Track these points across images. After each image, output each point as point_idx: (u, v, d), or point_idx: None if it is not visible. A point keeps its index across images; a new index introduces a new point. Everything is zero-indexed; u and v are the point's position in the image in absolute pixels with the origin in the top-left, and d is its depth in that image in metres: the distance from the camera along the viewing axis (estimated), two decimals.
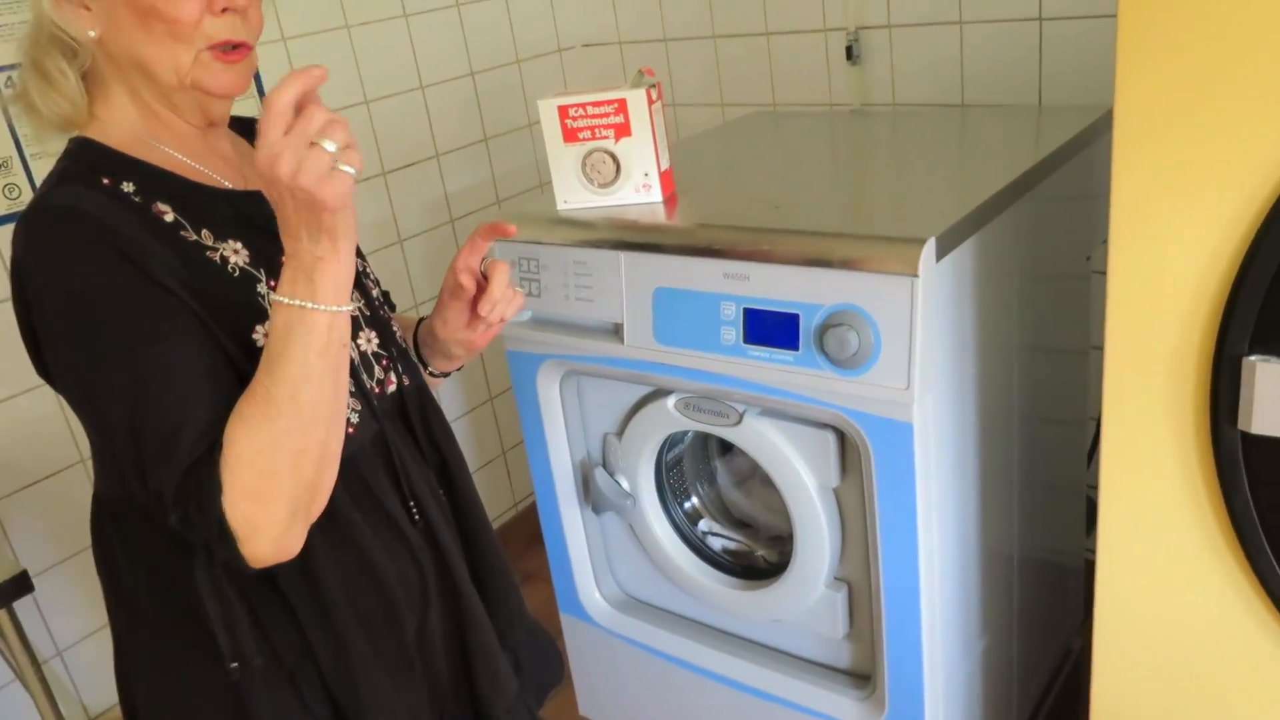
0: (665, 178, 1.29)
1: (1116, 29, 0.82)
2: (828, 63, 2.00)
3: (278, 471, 0.79)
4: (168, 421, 0.78)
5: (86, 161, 0.85)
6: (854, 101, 1.97)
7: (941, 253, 1.05)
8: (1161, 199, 0.84)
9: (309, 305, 0.78)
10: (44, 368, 0.86)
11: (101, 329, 0.79)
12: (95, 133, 0.87)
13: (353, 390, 0.91)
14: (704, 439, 1.51)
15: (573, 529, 1.52)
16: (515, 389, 1.43)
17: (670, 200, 1.30)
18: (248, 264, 0.87)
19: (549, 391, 1.42)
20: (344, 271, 0.79)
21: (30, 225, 0.81)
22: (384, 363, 0.98)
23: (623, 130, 1.25)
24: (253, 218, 0.89)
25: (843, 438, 1.18)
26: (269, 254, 0.88)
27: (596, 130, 1.26)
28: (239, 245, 0.87)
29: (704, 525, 1.49)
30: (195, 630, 0.88)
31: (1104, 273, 1.79)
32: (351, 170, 0.76)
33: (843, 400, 1.11)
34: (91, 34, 0.84)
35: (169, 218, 0.85)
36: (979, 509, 1.28)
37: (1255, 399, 0.82)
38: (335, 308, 0.79)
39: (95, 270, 0.79)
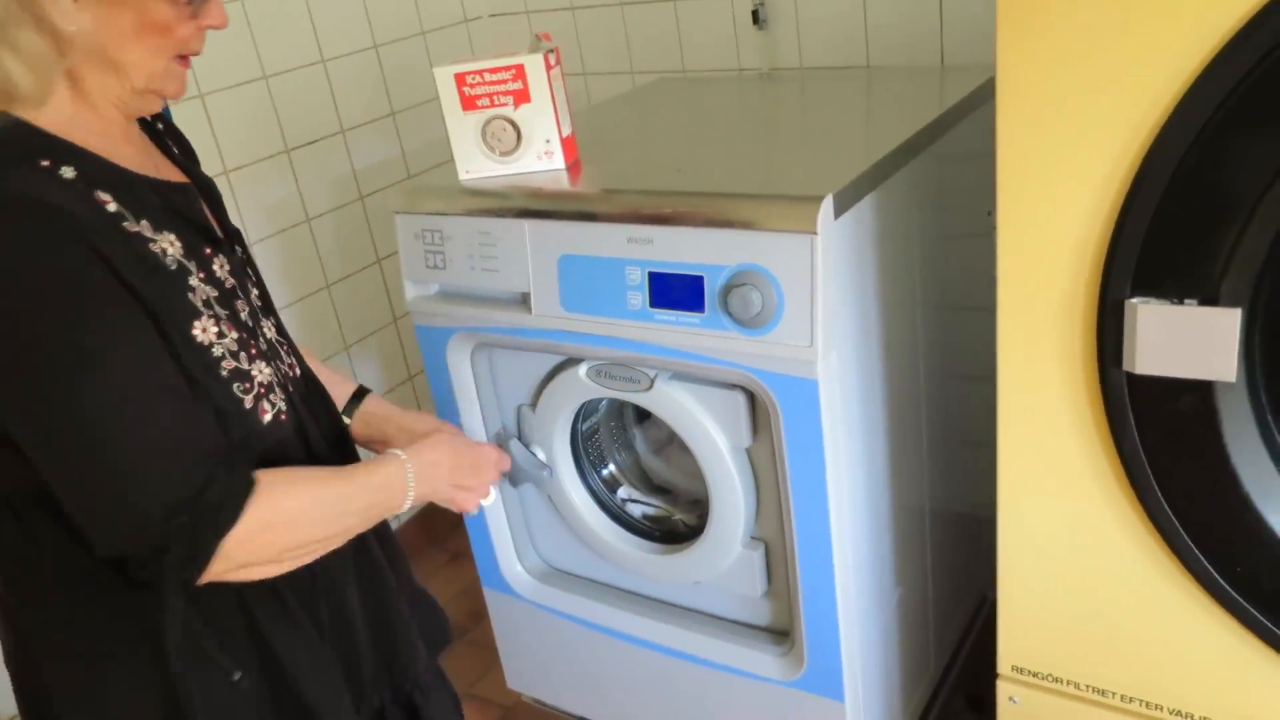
0: (567, 144, 1.28)
1: None
2: (735, 28, 2.00)
3: (291, 552, 0.87)
4: (184, 438, 0.79)
5: (20, 142, 0.80)
6: (762, 66, 1.97)
7: (840, 210, 1.05)
8: (1045, 152, 0.86)
9: (408, 497, 0.98)
10: None
11: (65, 346, 0.75)
12: (22, 113, 0.82)
13: (278, 380, 0.92)
14: (619, 406, 1.50)
15: (494, 508, 1.50)
16: (426, 364, 1.41)
17: (574, 167, 1.29)
18: (182, 257, 0.85)
19: (460, 365, 1.40)
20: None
21: None
22: (284, 348, 0.98)
23: (522, 96, 1.24)
24: (180, 210, 0.88)
25: (753, 398, 1.18)
26: (197, 247, 0.87)
27: (495, 97, 1.24)
28: (173, 237, 0.85)
29: (623, 493, 1.49)
30: (111, 609, 0.86)
31: None
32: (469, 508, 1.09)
33: (750, 360, 1.11)
34: (71, 28, 0.80)
35: (111, 207, 0.81)
36: (889, 464, 1.30)
37: (1138, 340, 0.85)
38: (408, 506, 0.98)
39: (68, 276, 0.76)
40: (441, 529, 2.35)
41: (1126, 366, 0.86)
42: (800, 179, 1.16)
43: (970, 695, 1.74)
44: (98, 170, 0.82)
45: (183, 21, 0.85)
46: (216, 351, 0.85)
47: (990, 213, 1.62)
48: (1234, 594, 0.91)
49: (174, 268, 0.84)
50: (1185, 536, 0.91)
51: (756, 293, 1.07)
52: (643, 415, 1.54)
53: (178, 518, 0.77)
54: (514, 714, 2.05)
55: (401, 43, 2.20)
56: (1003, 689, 1.13)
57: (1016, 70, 0.85)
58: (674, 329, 1.14)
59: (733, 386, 1.19)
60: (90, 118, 0.85)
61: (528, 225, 1.22)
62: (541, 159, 1.27)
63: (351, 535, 0.93)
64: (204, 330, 0.84)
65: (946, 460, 1.50)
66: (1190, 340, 0.83)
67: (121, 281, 0.78)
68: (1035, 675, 1.10)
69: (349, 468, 0.93)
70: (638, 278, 1.15)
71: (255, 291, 0.96)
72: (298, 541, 0.87)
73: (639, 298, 1.16)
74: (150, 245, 0.82)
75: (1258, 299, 0.82)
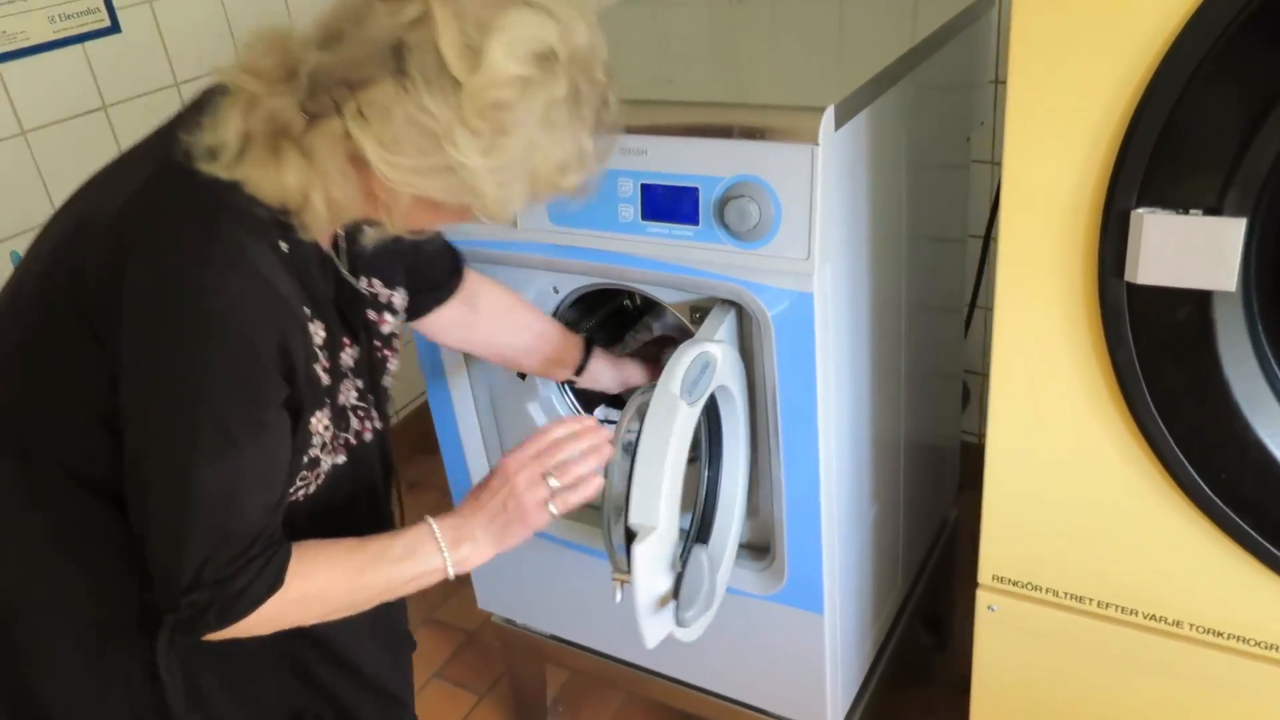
0: None
1: None
2: None
3: (317, 616, 0.92)
4: (247, 527, 0.84)
5: (257, 208, 0.82)
6: None
7: (839, 122, 1.05)
8: (1055, 65, 0.86)
9: (449, 565, 0.95)
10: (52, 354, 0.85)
11: (215, 402, 0.81)
12: (253, 181, 0.82)
13: (333, 461, 0.98)
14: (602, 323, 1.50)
15: (467, 427, 1.49)
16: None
17: None
18: (320, 345, 0.91)
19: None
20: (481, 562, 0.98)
21: (187, 254, 0.79)
22: (359, 414, 1.01)
23: None
24: (343, 307, 0.95)
25: (739, 315, 1.18)
26: (338, 337, 0.94)
27: None
28: (320, 326, 0.91)
29: (600, 413, 1.49)
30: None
31: (982, 162, 1.84)
32: (555, 513, 0.99)
33: (743, 274, 1.11)
34: (384, 196, 0.84)
35: (303, 284, 0.88)
36: (871, 390, 1.31)
37: (1142, 249, 0.86)
38: (454, 575, 0.96)
39: (256, 361, 0.81)
40: (399, 456, 2.32)
41: (1129, 277, 0.88)
42: (795, 92, 1.15)
43: (926, 616, 1.80)
44: (305, 255, 0.89)
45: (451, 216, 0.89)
46: (315, 441, 0.92)
47: (968, 139, 1.64)
48: (1216, 500, 0.94)
49: (318, 356, 0.90)
50: (1172, 443, 0.94)
51: (754, 204, 1.06)
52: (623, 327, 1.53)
53: (194, 593, 0.83)
54: (478, 636, 2.06)
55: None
56: (982, 598, 1.16)
57: None
58: (666, 242, 1.13)
59: (721, 304, 1.18)
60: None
61: None
62: None
63: (383, 601, 0.95)
64: (317, 421, 0.91)
65: (919, 389, 1.53)
66: (1194, 250, 0.84)
67: (291, 371, 0.85)
68: (1015, 584, 1.13)
69: (376, 547, 0.94)
70: (629, 189, 1.13)
71: (364, 382, 1.00)
72: (309, 621, 0.93)
73: (630, 210, 1.14)
74: (310, 325, 0.89)
75: (1257, 211, 0.84)
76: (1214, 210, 0.83)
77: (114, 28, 1.82)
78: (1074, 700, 1.17)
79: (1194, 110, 0.81)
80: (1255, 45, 0.78)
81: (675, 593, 1.04)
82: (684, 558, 1.07)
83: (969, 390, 2.07)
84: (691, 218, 1.11)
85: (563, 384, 1.45)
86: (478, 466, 1.53)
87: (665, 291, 1.22)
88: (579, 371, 1.34)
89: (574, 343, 1.33)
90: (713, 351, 1.09)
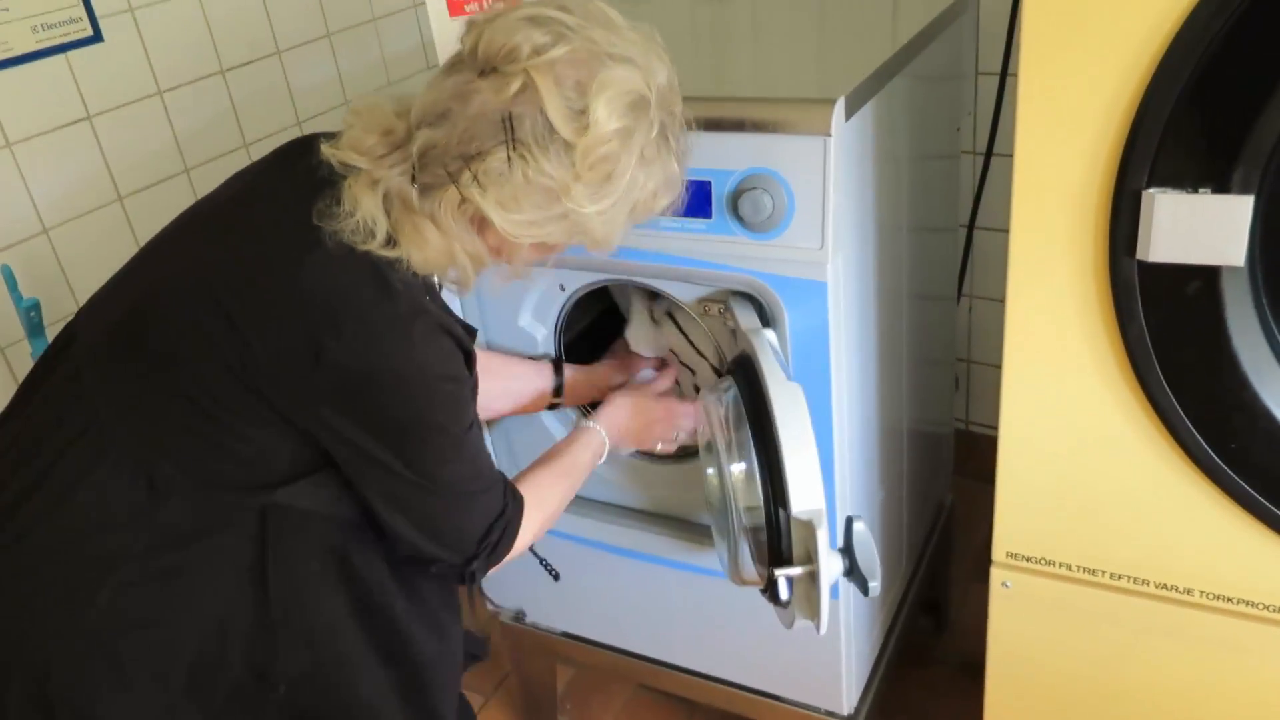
0: None
1: None
2: None
3: (540, 530, 1.12)
4: (492, 478, 1.03)
5: (408, 273, 0.93)
6: None
7: (849, 113, 1.07)
8: (1066, 49, 0.89)
9: (607, 443, 1.26)
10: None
11: (440, 428, 0.96)
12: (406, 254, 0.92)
13: None
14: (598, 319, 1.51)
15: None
16: None
17: None
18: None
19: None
20: None
21: (410, 333, 0.91)
22: None
23: (514, 3, 1.21)
24: (465, 347, 1.01)
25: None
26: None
27: (486, 3, 1.21)
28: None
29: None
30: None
31: (971, 153, 1.88)
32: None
33: (757, 265, 1.13)
34: (510, 252, 0.98)
35: (461, 336, 0.98)
36: (878, 376, 1.34)
37: (1154, 229, 0.89)
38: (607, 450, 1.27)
39: (459, 382, 0.97)
40: None
41: (1140, 255, 0.91)
42: (804, 85, 1.18)
43: (925, 599, 1.83)
44: (441, 306, 1.01)
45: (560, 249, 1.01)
46: None
47: (959, 129, 1.67)
48: (1225, 468, 0.98)
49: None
50: (1183, 414, 0.97)
51: (767, 196, 1.08)
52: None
53: (489, 537, 1.01)
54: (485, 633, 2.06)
55: (352, 30, 2.12)
56: (996, 575, 1.19)
57: None
58: (680, 235, 1.15)
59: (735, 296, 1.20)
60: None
61: None
62: None
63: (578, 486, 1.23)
64: None
65: (918, 375, 1.56)
66: (1203, 228, 0.88)
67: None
68: (1028, 559, 1.16)
69: (566, 457, 1.21)
70: None
71: None
72: (550, 517, 1.15)
73: None
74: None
75: (1263, 188, 0.87)
76: (1222, 188, 0.86)
77: (97, 37, 1.80)
78: (1087, 671, 1.20)
79: (1200, 92, 0.85)
80: (1258, 29, 0.81)
81: (848, 569, 1.06)
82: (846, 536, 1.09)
83: (957, 377, 2.11)
84: (704, 211, 1.13)
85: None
86: None
87: (676, 285, 1.24)
88: (557, 394, 1.38)
89: (545, 372, 1.38)
90: (769, 334, 1.13)
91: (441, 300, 1.04)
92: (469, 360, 0.99)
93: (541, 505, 1.11)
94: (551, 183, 0.88)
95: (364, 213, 0.89)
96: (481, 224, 0.92)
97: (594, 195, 0.90)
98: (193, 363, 0.90)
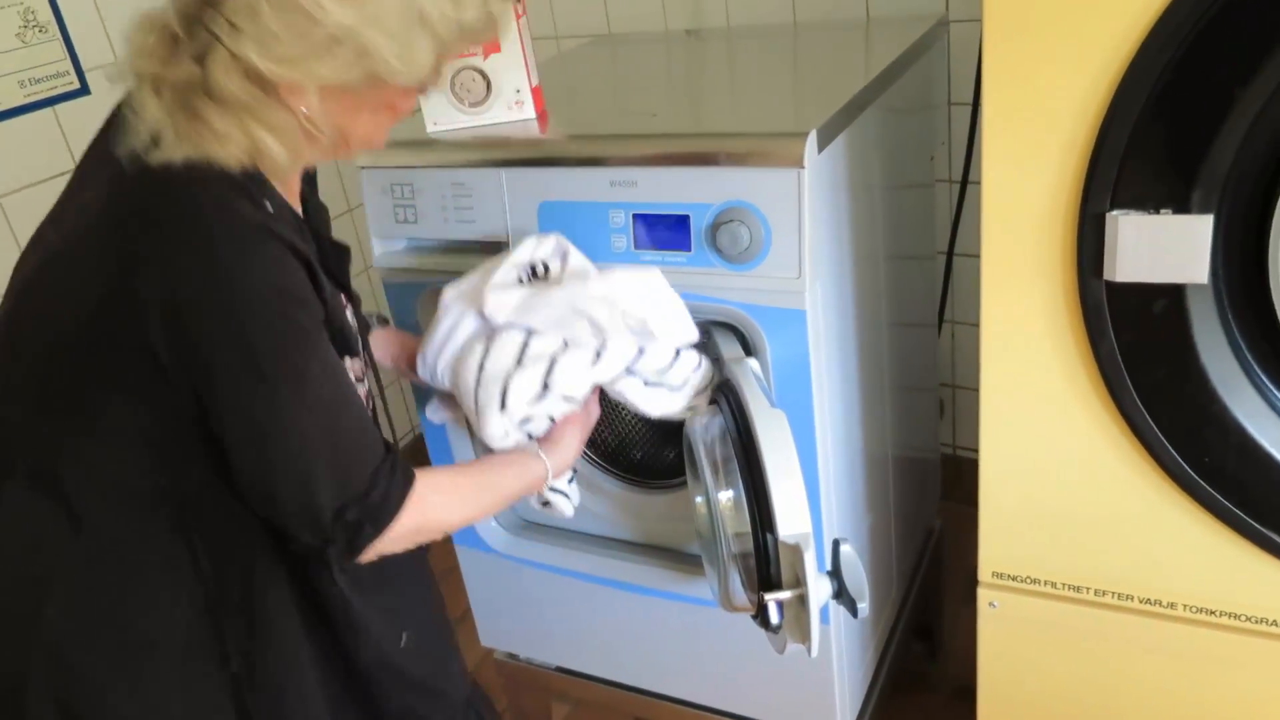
0: (536, 94, 1.29)
1: None
2: None
3: (434, 528, 0.97)
4: (359, 445, 0.90)
5: (230, 177, 0.84)
6: (688, 25, 2.01)
7: (821, 146, 1.10)
8: (1027, 79, 0.92)
9: (550, 473, 1.12)
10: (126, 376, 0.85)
11: (279, 359, 0.84)
12: (200, 151, 0.83)
13: None
14: None
15: (462, 459, 1.51)
16: (395, 323, 1.41)
17: (543, 116, 1.30)
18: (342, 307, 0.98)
19: (429, 320, 1.40)
20: None
21: (216, 238, 0.81)
22: (362, 381, 1.06)
23: (492, 46, 1.24)
24: (332, 267, 0.96)
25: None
26: (335, 299, 0.95)
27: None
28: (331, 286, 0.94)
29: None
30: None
31: (947, 181, 1.91)
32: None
33: (737, 295, 1.15)
34: (318, 114, 0.86)
35: (299, 246, 0.87)
36: (860, 403, 1.36)
37: (1118, 250, 0.92)
38: (549, 481, 1.14)
39: (296, 298, 0.85)
40: None
41: (1107, 276, 0.94)
42: (776, 119, 1.21)
43: (917, 624, 1.84)
44: (284, 211, 0.90)
45: (409, 100, 0.94)
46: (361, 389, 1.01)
47: (932, 158, 1.71)
48: (1201, 482, 1.00)
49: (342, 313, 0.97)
50: (1157, 430, 0.99)
51: (744, 228, 1.10)
52: None
53: (344, 516, 0.87)
54: (479, 675, 2.05)
55: None
56: (983, 595, 1.20)
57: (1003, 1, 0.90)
58: (660, 268, 1.17)
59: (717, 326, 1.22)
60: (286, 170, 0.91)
61: (505, 174, 1.22)
62: (512, 109, 1.28)
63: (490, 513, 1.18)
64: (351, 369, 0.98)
65: (901, 401, 1.58)
66: (1166, 247, 0.90)
67: (323, 314, 0.88)
68: (1014, 579, 1.17)
69: (497, 470, 1.09)
70: (621, 220, 1.18)
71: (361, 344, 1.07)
72: (445, 533, 1.01)
73: (623, 240, 1.18)
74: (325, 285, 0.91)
75: (1222, 207, 0.90)
76: (1182, 208, 0.89)
77: (84, 90, 1.83)
78: (1076, 688, 1.21)
79: (1157, 117, 0.87)
80: (1210, 56, 0.84)
81: (837, 592, 1.06)
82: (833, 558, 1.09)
83: (943, 403, 2.13)
84: (683, 244, 1.15)
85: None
86: None
87: None
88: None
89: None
90: (752, 363, 1.15)
91: (293, 215, 0.93)
92: (320, 283, 0.88)
93: (443, 503, 0.97)
94: None
95: (148, 119, 0.81)
96: (264, 84, 0.82)
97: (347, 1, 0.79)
98: (53, 350, 0.86)
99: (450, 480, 1.02)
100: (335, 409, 0.87)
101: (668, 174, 1.14)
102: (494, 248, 1.27)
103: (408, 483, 0.92)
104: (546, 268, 1.14)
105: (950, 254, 1.93)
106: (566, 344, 1.11)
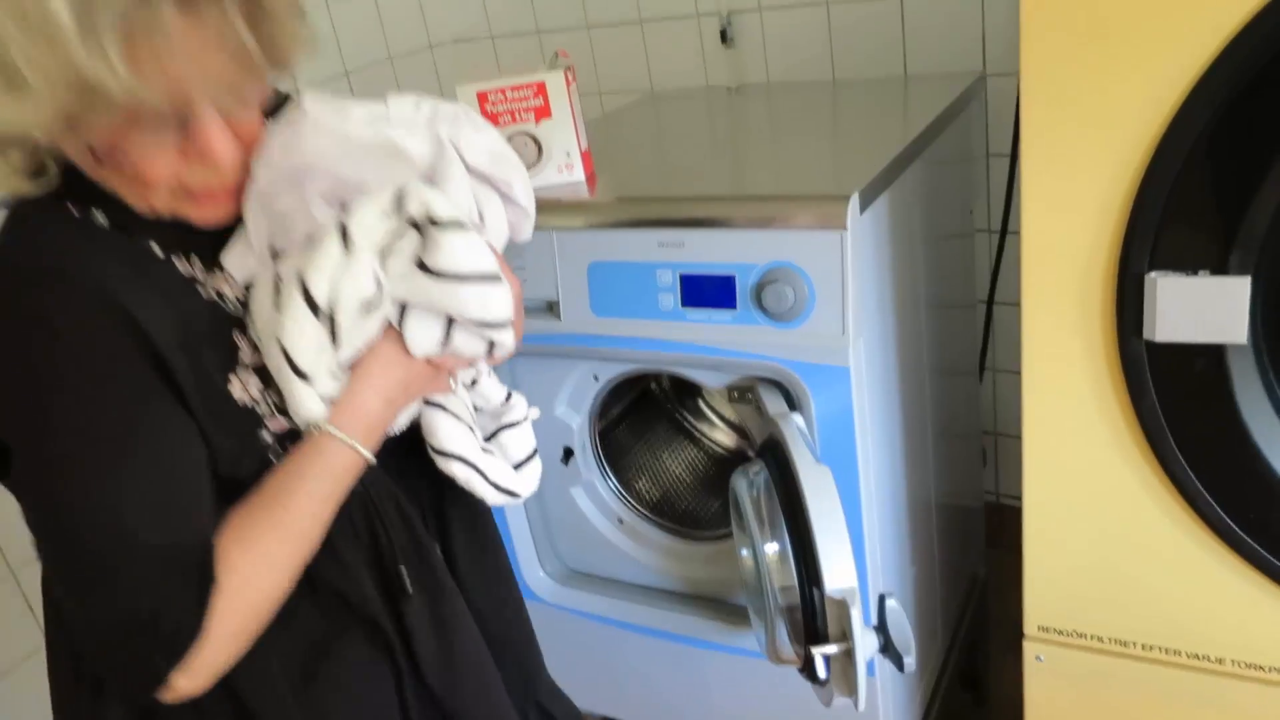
0: (585, 157, 1.34)
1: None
2: (702, 47, 2.08)
3: (265, 606, 0.76)
4: (133, 552, 0.70)
5: (57, 190, 0.74)
6: (730, 82, 2.06)
7: (863, 207, 1.13)
8: (1065, 144, 0.94)
9: (357, 447, 0.80)
10: None
11: (74, 432, 0.70)
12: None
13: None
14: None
15: (513, 511, 1.54)
16: None
17: (591, 179, 1.34)
18: (239, 299, 0.81)
19: None
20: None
21: None
22: None
23: (543, 112, 1.29)
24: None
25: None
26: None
27: (517, 114, 1.29)
28: (227, 275, 0.81)
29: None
30: None
31: (986, 231, 1.94)
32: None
33: (782, 352, 1.18)
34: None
35: (157, 249, 0.77)
36: (904, 453, 1.38)
37: (1157, 311, 0.94)
38: (371, 458, 0.82)
39: (75, 360, 0.70)
40: None
41: (1147, 336, 0.95)
42: (818, 180, 1.24)
43: (963, 671, 1.83)
44: (133, 216, 0.76)
45: (145, 162, 0.72)
46: (260, 410, 0.79)
47: (971, 211, 1.74)
48: (1246, 538, 1.00)
49: (233, 310, 0.80)
50: (1200, 487, 1.00)
51: (789, 288, 1.13)
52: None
53: (128, 647, 0.70)
54: None
55: (370, 68, 2.23)
56: (1029, 649, 1.21)
57: (1040, 64, 0.93)
58: (706, 326, 1.21)
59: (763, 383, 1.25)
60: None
61: (555, 236, 1.27)
62: (562, 172, 1.33)
63: (321, 531, 0.80)
64: (244, 387, 0.79)
65: (943, 450, 1.59)
66: (1205, 308, 0.92)
67: (156, 353, 0.72)
68: (1060, 633, 1.18)
69: (283, 486, 0.78)
70: (669, 280, 1.21)
71: None
72: (283, 582, 0.78)
73: (670, 299, 1.22)
74: (201, 290, 0.79)
75: (1260, 268, 0.92)
76: (1220, 270, 0.91)
77: None
78: None
79: (1195, 179, 0.90)
80: (1248, 119, 0.86)
81: (883, 646, 1.07)
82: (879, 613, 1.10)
83: (985, 449, 2.14)
84: (729, 303, 1.18)
85: (602, 467, 1.50)
86: (528, 561, 1.58)
87: (704, 373, 1.30)
88: None
89: None
90: (797, 418, 1.16)
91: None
92: (147, 322, 0.71)
93: (246, 582, 0.74)
94: None
95: None
96: None
97: None
98: None
99: (254, 545, 0.75)
100: (133, 502, 0.71)
101: (714, 235, 1.17)
102: (543, 308, 1.31)
103: (205, 590, 0.72)
104: None
105: (990, 302, 1.95)
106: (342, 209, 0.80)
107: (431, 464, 0.93)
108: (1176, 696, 1.15)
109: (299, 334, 0.76)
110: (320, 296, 0.76)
